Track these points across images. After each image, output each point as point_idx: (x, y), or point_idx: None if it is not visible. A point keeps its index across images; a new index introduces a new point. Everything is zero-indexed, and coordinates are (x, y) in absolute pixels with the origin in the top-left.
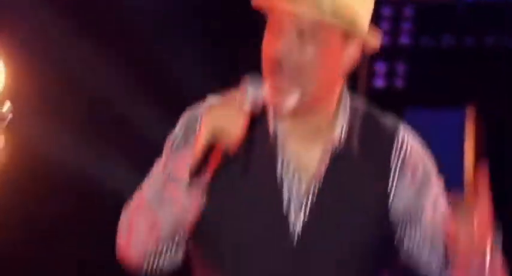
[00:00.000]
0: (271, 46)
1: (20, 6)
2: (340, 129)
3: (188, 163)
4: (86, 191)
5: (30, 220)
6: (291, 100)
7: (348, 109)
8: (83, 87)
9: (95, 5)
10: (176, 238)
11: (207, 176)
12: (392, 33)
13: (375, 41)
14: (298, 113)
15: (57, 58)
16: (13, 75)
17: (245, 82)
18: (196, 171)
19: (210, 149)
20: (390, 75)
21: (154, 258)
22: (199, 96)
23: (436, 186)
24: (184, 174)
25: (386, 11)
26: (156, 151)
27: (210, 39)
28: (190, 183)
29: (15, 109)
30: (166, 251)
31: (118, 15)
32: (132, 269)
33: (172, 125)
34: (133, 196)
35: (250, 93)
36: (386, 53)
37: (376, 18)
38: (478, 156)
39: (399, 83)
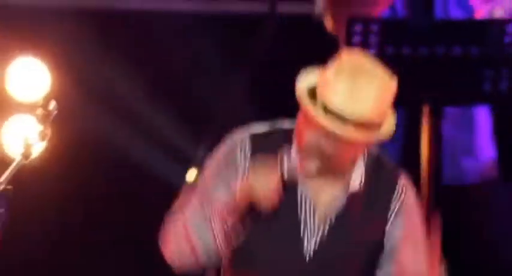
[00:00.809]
0: (303, 137)
1: (61, 22)
2: (360, 177)
3: (224, 212)
4: (127, 175)
5: (74, 201)
6: (316, 171)
7: (365, 159)
8: (118, 91)
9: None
10: (210, 257)
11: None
12: (362, 45)
13: (389, 131)
14: (321, 176)
15: (95, 67)
16: (57, 80)
17: (281, 153)
18: (235, 224)
19: (247, 207)
20: None
21: (190, 266)
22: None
23: (420, 235)
24: (220, 222)
25: (358, 27)
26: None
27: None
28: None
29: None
30: (201, 262)
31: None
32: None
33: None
34: (176, 214)
35: (286, 163)
36: None
37: (350, 34)
38: (433, 152)
39: None
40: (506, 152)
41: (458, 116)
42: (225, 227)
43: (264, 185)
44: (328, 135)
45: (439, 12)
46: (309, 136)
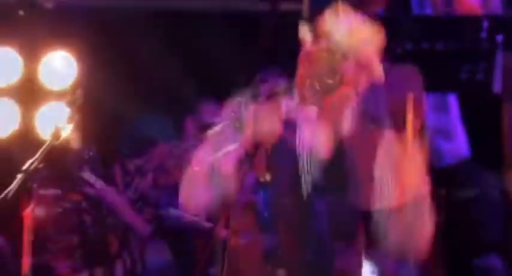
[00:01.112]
0: (304, 74)
1: (89, 19)
2: (350, 117)
3: (231, 159)
4: None
5: None
6: (315, 98)
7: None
8: (140, 82)
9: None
10: (221, 197)
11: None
12: None
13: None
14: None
15: (119, 60)
16: (83, 71)
17: (281, 93)
18: (242, 163)
19: (253, 146)
20: None
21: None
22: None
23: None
24: (228, 168)
25: None
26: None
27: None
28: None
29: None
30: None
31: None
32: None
33: None
34: (195, 159)
35: (285, 103)
36: None
37: None
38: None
39: None
40: (476, 135)
41: (437, 103)
42: (235, 168)
43: (267, 121)
44: (329, 68)
45: (416, 11)
46: (310, 72)
